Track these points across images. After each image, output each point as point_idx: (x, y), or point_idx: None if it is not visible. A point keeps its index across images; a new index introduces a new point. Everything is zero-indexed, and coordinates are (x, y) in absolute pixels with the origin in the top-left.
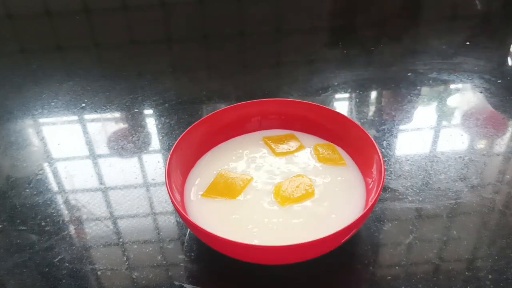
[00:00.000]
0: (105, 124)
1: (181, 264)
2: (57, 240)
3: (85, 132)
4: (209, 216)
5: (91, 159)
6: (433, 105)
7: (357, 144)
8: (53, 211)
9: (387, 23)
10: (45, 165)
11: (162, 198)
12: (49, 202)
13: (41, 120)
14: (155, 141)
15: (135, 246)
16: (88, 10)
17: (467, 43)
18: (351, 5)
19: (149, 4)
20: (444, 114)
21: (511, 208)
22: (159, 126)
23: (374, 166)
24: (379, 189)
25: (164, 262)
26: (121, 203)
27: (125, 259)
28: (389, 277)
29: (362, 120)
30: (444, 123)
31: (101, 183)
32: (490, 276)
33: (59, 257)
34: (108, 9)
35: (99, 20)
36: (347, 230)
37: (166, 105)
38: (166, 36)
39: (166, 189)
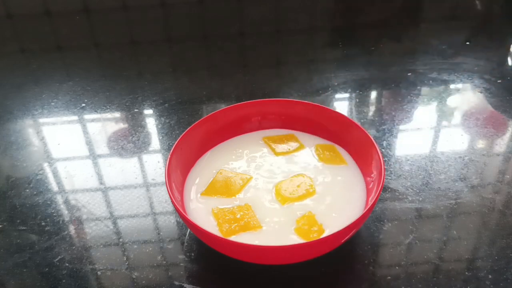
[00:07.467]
0: (105, 124)
1: (181, 264)
2: (57, 240)
3: (85, 132)
4: (209, 216)
5: (91, 159)
6: (433, 105)
7: (357, 144)
8: (53, 211)
9: (387, 23)
10: (45, 165)
11: (162, 198)
12: (49, 202)
13: (41, 120)
14: (155, 141)
15: (135, 246)
16: (88, 10)
17: (467, 43)
18: (351, 5)
19: (149, 4)
20: (444, 114)
21: (511, 208)
22: (159, 126)
23: (374, 166)
24: (379, 189)
25: (164, 262)
26: (121, 203)
27: (125, 259)
28: (389, 277)
29: (362, 120)
30: (444, 123)
31: (101, 183)
32: (490, 276)
33: (59, 257)
34: (108, 9)
35: (99, 20)
36: (347, 230)
37: (166, 105)
38: (166, 36)
39: (166, 189)
